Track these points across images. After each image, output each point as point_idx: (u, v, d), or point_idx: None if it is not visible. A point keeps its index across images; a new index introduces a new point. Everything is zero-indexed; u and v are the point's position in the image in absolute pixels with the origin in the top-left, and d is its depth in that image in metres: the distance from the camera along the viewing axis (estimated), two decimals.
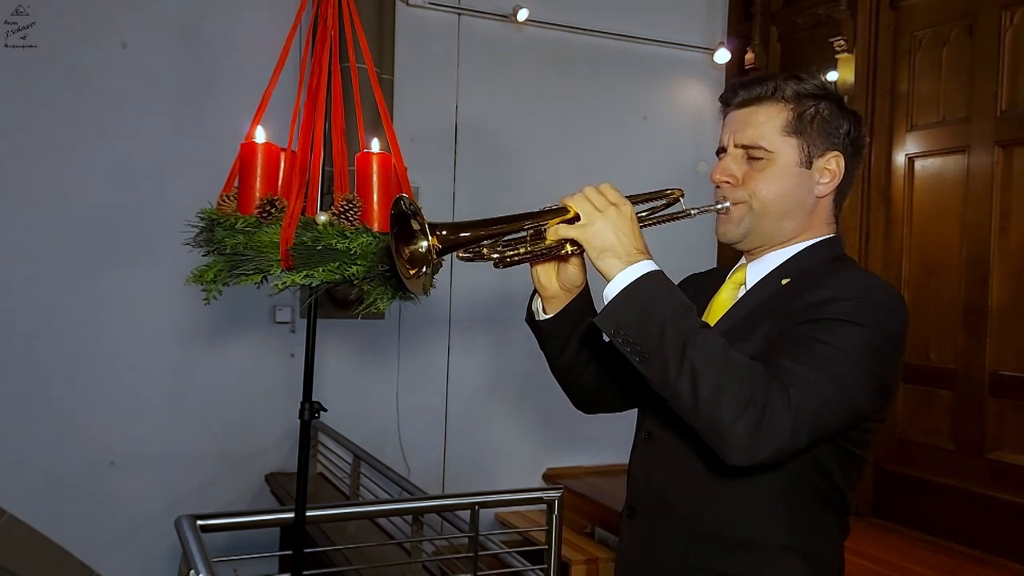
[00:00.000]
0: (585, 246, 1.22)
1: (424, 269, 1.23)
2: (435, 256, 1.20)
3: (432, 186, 4.66)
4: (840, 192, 1.38)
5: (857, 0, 4.50)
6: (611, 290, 1.19)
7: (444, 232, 1.21)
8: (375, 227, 1.95)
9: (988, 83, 4.01)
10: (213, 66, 4.41)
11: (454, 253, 1.25)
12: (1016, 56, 3.92)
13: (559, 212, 1.26)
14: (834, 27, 4.61)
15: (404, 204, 1.24)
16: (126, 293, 4.30)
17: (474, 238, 1.24)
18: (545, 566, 2.88)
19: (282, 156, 2.03)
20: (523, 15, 4.92)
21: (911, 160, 4.39)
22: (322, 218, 1.90)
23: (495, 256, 1.27)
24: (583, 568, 4.09)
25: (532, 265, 1.37)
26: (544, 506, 2.93)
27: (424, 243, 1.20)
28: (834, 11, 4.61)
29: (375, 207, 1.97)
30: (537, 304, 1.44)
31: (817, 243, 1.37)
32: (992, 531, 3.82)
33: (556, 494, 2.89)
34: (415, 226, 1.21)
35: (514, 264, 1.29)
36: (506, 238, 1.29)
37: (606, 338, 1.24)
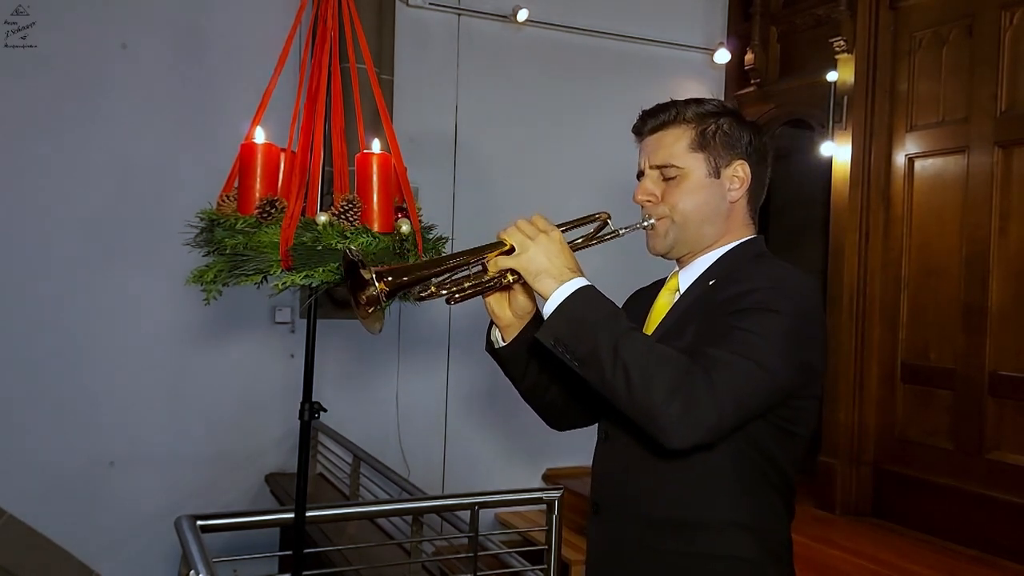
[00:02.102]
0: (522, 272, 1.36)
1: (377, 308, 1.37)
2: (385, 300, 1.34)
3: (432, 186, 4.66)
4: (753, 195, 1.51)
5: (857, 1, 4.50)
6: (548, 307, 1.32)
7: (389, 278, 1.35)
8: (375, 227, 1.95)
9: (987, 83, 4.01)
10: (213, 66, 4.41)
11: (410, 295, 1.40)
12: (1015, 56, 3.92)
13: (496, 246, 1.39)
14: (834, 27, 4.61)
15: (351, 255, 1.39)
16: (126, 293, 4.31)
17: (418, 279, 1.38)
18: (545, 566, 2.88)
19: (282, 156, 2.03)
20: (523, 15, 4.92)
21: (911, 160, 4.39)
22: (322, 218, 1.90)
23: (444, 293, 1.41)
24: (583, 568, 4.07)
25: (484, 297, 1.49)
26: (544, 506, 2.93)
27: (372, 289, 1.34)
28: (834, 11, 4.61)
29: (375, 207, 1.97)
30: (495, 334, 1.57)
31: (739, 244, 1.50)
32: (991, 531, 3.82)
33: (556, 494, 2.89)
34: (365, 275, 1.34)
35: (465, 299, 1.42)
36: (453, 276, 1.43)
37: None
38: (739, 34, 5.43)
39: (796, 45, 5.08)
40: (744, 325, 1.29)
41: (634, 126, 1.53)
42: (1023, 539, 3.68)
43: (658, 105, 1.51)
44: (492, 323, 1.56)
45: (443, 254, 2.03)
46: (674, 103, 1.50)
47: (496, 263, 1.38)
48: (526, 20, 4.96)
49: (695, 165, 1.46)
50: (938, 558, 3.81)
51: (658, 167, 1.48)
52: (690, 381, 1.22)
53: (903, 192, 4.41)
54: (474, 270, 1.43)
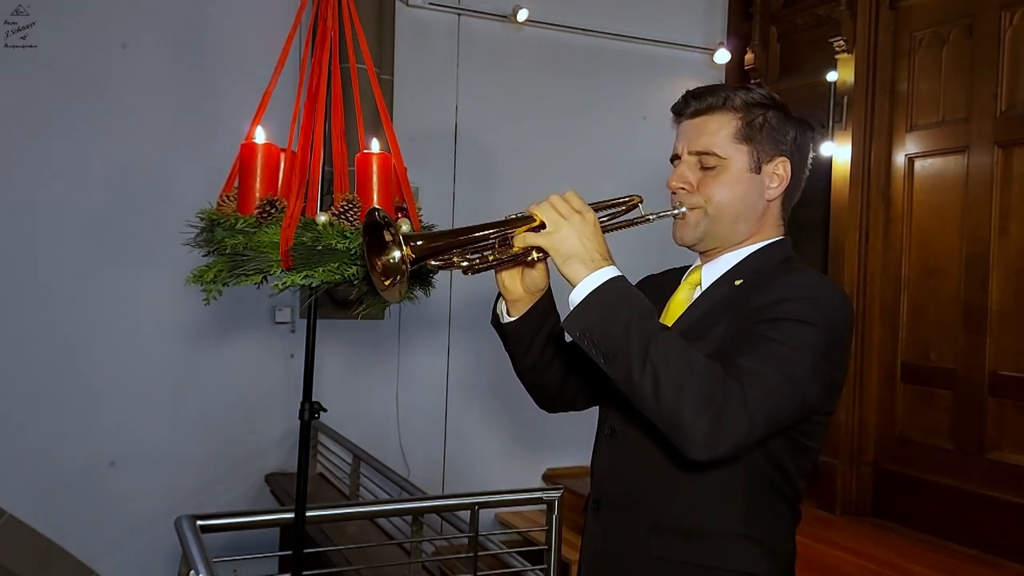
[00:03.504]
0: (551, 253, 1.28)
1: (398, 279, 1.27)
2: (408, 266, 1.25)
3: (432, 186, 4.66)
4: (788, 196, 1.46)
5: (857, 0, 4.49)
6: (576, 295, 1.25)
7: (417, 243, 1.25)
8: None
9: (988, 83, 4.01)
10: (213, 66, 4.41)
11: (425, 262, 1.30)
12: (1016, 56, 3.92)
13: (526, 220, 1.31)
14: (834, 27, 4.61)
15: (378, 216, 1.29)
16: (126, 293, 4.30)
17: (445, 247, 1.29)
18: (545, 566, 2.88)
19: (282, 156, 2.03)
20: (523, 15, 4.92)
21: (911, 160, 4.39)
22: (322, 218, 1.90)
23: (464, 264, 1.32)
24: None
25: (497, 271, 1.42)
26: (544, 506, 2.93)
27: (397, 254, 1.25)
28: (834, 11, 4.61)
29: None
30: (501, 307, 1.50)
31: (768, 245, 1.44)
32: (991, 531, 3.82)
33: (556, 494, 2.89)
34: (388, 237, 1.26)
35: (483, 270, 1.34)
36: (476, 246, 1.33)
37: (568, 338, 1.30)
38: (739, 34, 5.43)
39: (796, 45, 5.08)
40: (777, 336, 1.24)
41: (675, 106, 1.45)
42: (1023, 539, 3.68)
43: (705, 87, 1.44)
44: (499, 296, 1.49)
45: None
46: (722, 87, 1.42)
47: (524, 239, 1.30)
48: (526, 20, 4.96)
49: (737, 156, 1.39)
50: (938, 558, 3.81)
51: (698, 154, 1.41)
52: (723, 394, 1.17)
53: (903, 192, 4.41)
54: (499, 242, 1.34)
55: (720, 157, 1.39)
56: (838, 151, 4.58)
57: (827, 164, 4.69)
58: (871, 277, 4.49)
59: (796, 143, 1.43)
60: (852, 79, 4.52)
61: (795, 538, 1.43)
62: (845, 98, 4.54)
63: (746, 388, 1.18)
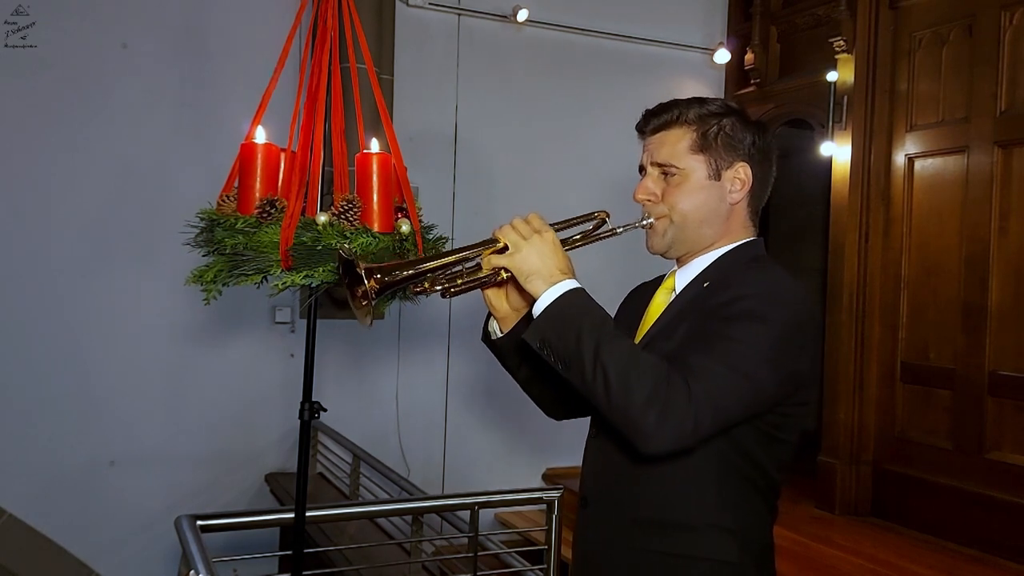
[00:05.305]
0: (514, 272, 1.38)
1: (371, 302, 1.39)
2: (375, 296, 1.38)
3: (432, 186, 4.66)
4: (755, 197, 1.52)
5: (857, 0, 4.50)
6: (536, 308, 1.35)
7: (379, 275, 1.38)
8: (375, 227, 1.95)
9: (987, 83, 4.01)
10: (213, 66, 4.41)
11: (409, 287, 1.43)
12: (1015, 56, 3.92)
13: (490, 243, 1.42)
14: (834, 27, 4.61)
15: (344, 253, 1.43)
16: (126, 293, 4.31)
17: (408, 277, 1.41)
18: (545, 566, 2.88)
19: (282, 156, 2.03)
20: (523, 15, 4.92)
21: (910, 160, 4.39)
22: (322, 218, 1.90)
23: (438, 288, 1.44)
24: None
25: (482, 290, 1.51)
26: (544, 506, 2.94)
27: (363, 286, 1.37)
28: (834, 11, 4.61)
29: (375, 207, 1.97)
30: (493, 325, 1.60)
31: (738, 247, 1.50)
32: (990, 531, 3.82)
33: (556, 494, 2.89)
34: (358, 271, 1.38)
35: (459, 293, 1.45)
36: (448, 271, 1.45)
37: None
38: (739, 34, 5.43)
39: (796, 45, 5.08)
40: (730, 333, 1.29)
41: (637, 124, 1.54)
42: (1022, 539, 3.68)
43: (661, 104, 1.51)
44: (490, 314, 1.58)
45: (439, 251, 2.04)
46: (676, 103, 1.50)
47: (489, 261, 1.41)
48: (526, 20, 4.96)
49: (695, 166, 1.46)
50: (938, 558, 3.81)
51: (659, 166, 1.49)
52: (668, 390, 1.23)
53: (903, 192, 4.41)
54: (468, 266, 1.45)
55: (679, 168, 1.46)
56: (838, 151, 4.58)
57: (827, 164, 4.69)
58: (871, 277, 4.49)
59: (755, 146, 1.49)
60: (852, 79, 4.52)
61: (772, 530, 1.47)
62: (845, 98, 4.54)
63: (691, 382, 1.24)
